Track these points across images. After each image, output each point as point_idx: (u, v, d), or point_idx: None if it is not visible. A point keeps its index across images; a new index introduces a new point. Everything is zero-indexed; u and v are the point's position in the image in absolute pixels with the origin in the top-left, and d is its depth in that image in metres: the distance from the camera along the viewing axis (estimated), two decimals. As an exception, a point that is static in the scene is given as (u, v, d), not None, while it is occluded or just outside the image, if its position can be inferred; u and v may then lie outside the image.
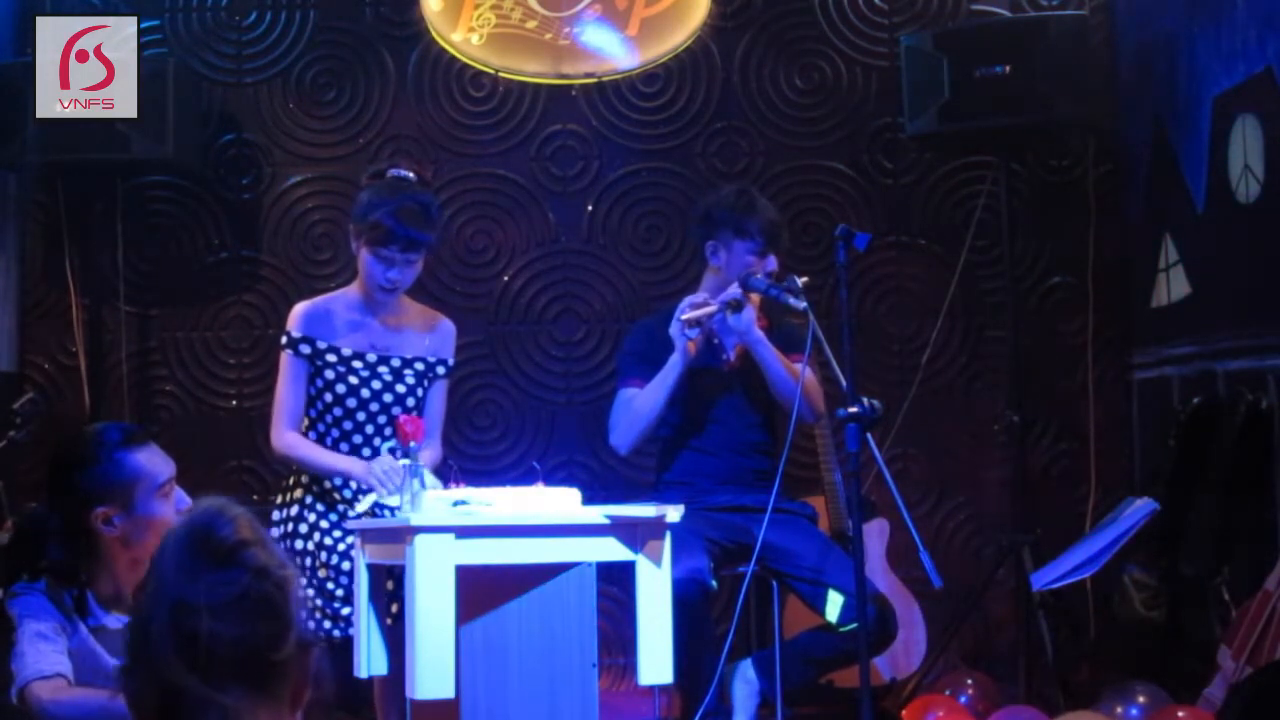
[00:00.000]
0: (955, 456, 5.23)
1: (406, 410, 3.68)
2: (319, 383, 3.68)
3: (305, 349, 3.67)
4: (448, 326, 3.84)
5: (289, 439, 3.65)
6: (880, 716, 4.22)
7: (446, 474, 3.51)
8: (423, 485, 3.25)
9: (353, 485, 3.63)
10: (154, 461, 2.84)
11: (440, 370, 3.78)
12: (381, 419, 3.67)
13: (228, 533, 1.62)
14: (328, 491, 3.66)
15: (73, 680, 2.78)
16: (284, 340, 3.69)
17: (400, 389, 3.70)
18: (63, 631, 2.84)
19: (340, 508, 3.64)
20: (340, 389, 3.66)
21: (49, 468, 2.93)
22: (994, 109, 4.71)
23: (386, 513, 3.46)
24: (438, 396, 3.78)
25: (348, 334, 3.70)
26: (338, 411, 3.67)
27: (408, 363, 3.73)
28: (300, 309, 3.73)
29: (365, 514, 3.50)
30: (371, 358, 3.70)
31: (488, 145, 5.35)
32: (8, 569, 2.94)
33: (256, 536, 1.64)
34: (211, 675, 1.56)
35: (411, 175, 3.74)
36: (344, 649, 3.44)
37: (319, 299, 3.80)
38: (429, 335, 3.78)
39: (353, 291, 3.76)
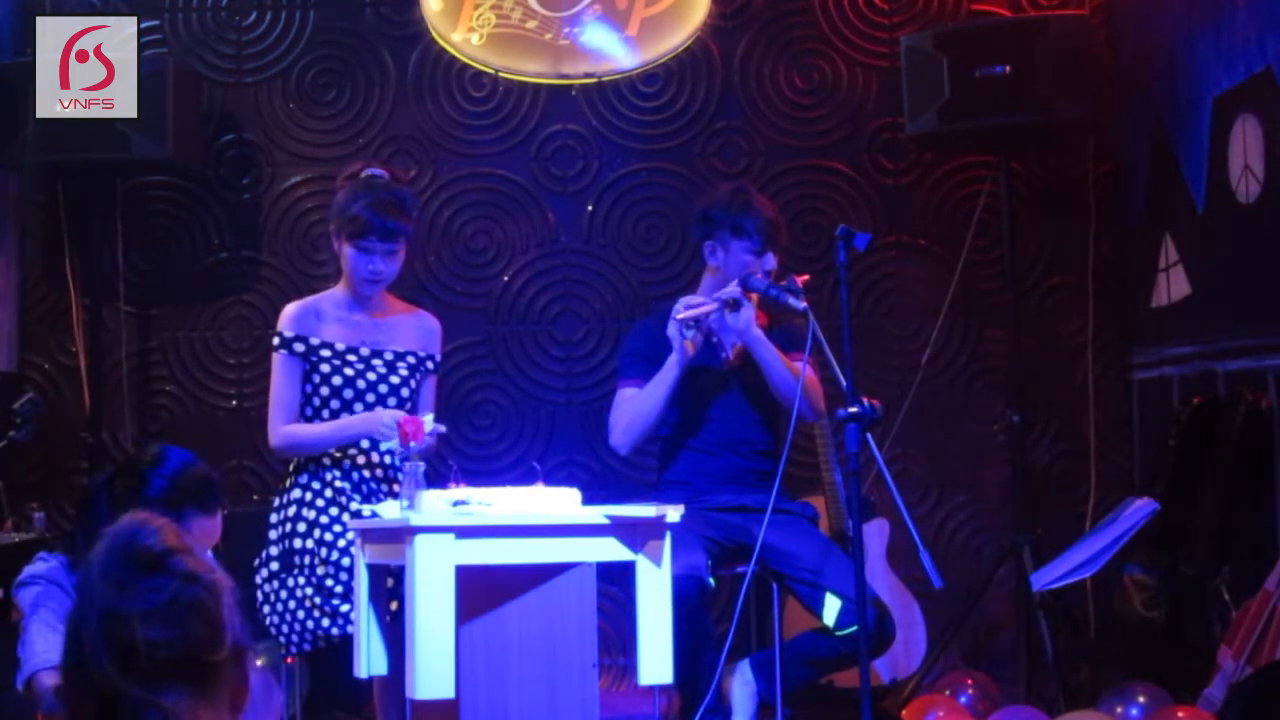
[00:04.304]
0: (955, 456, 5.23)
1: (400, 402, 3.74)
2: (315, 378, 3.73)
3: (299, 347, 3.72)
4: (433, 323, 3.91)
5: (285, 430, 3.70)
6: (880, 717, 4.22)
7: (446, 474, 3.51)
8: (422, 485, 3.25)
9: (363, 489, 3.67)
10: (204, 533, 2.87)
11: (429, 365, 3.85)
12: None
13: (153, 541, 1.64)
14: (329, 484, 3.67)
15: None
16: (276, 341, 3.75)
17: (394, 380, 3.75)
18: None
19: (342, 500, 3.65)
20: (336, 381, 3.71)
21: (128, 458, 2.99)
22: (994, 109, 4.71)
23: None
24: (429, 392, 3.85)
25: (339, 330, 3.78)
26: (335, 405, 3.72)
27: (400, 356, 3.79)
28: (290, 310, 3.80)
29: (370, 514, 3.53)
30: (365, 351, 3.76)
31: (488, 145, 5.35)
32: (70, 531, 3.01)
33: (182, 545, 1.66)
34: (149, 679, 1.59)
35: (384, 173, 3.84)
36: (343, 647, 3.45)
37: (307, 300, 3.87)
38: (416, 331, 3.87)
39: (339, 291, 3.84)
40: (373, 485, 3.71)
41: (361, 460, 3.70)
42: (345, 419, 3.69)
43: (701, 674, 3.58)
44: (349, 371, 3.72)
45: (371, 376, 3.73)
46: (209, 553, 2.52)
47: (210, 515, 2.92)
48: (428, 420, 3.48)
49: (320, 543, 3.60)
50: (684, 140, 5.33)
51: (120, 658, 1.58)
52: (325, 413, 3.72)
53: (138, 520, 1.67)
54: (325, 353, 3.73)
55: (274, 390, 3.74)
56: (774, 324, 4.01)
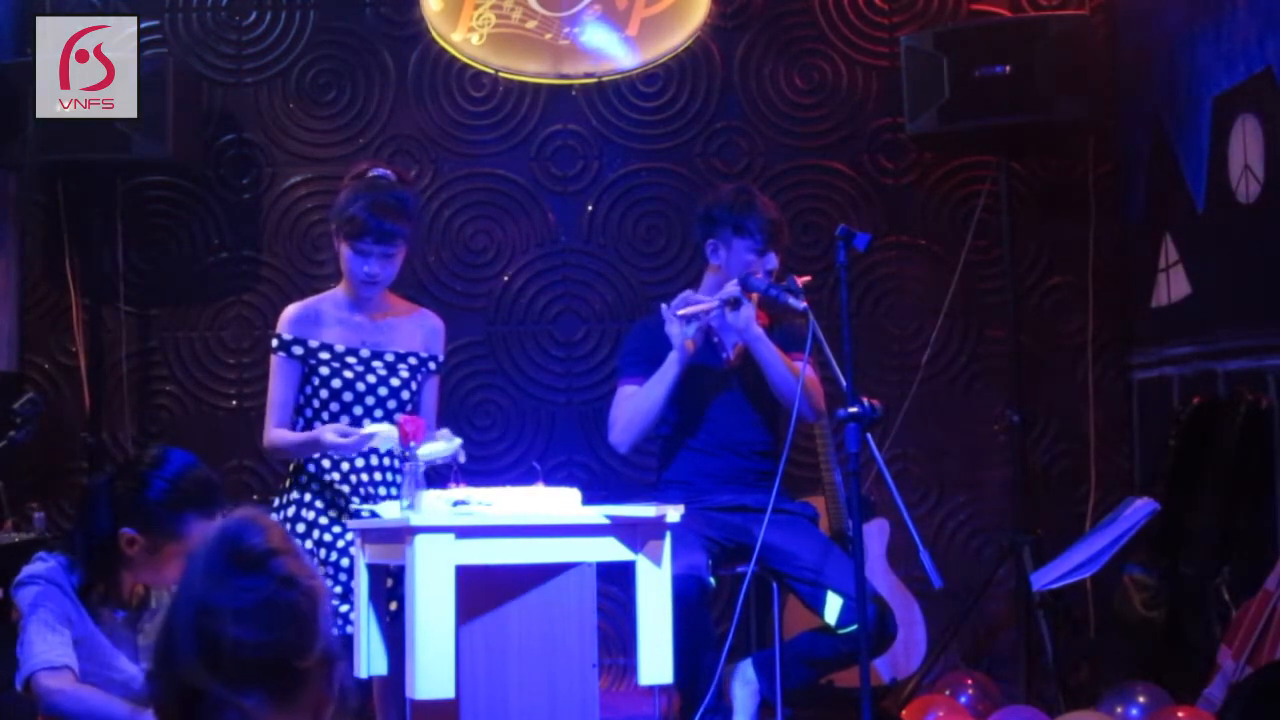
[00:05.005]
0: (955, 456, 5.23)
1: (401, 404, 3.72)
2: (314, 380, 3.71)
3: (298, 350, 3.71)
4: (436, 323, 3.89)
5: (274, 434, 3.70)
6: (880, 717, 4.22)
7: (446, 474, 3.51)
8: (423, 485, 3.25)
9: (361, 492, 3.67)
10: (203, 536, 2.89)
11: (432, 366, 3.83)
12: (378, 413, 3.70)
13: (257, 541, 1.64)
14: (328, 485, 3.67)
15: (78, 672, 2.81)
16: (275, 343, 3.74)
17: (395, 382, 3.73)
18: (69, 621, 2.87)
19: (340, 502, 3.65)
20: (335, 384, 3.70)
21: (129, 459, 2.99)
22: (994, 109, 4.71)
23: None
24: (431, 392, 3.83)
25: (339, 332, 3.76)
26: (334, 407, 3.70)
27: (401, 357, 3.77)
28: (289, 312, 3.78)
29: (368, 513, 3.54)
30: (365, 353, 3.74)
31: (488, 145, 5.35)
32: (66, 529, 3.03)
33: (287, 547, 1.66)
34: (233, 679, 1.58)
35: (390, 174, 3.80)
36: (343, 647, 3.44)
37: (307, 301, 3.85)
38: (419, 331, 3.84)
39: (339, 292, 3.82)
40: (371, 486, 3.70)
41: (360, 461, 3.70)
42: (313, 430, 3.66)
43: (701, 674, 3.58)
44: (348, 374, 3.70)
45: (372, 379, 3.72)
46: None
47: (210, 518, 2.93)
48: (450, 445, 3.46)
49: (319, 543, 3.60)
50: (684, 140, 5.33)
51: (206, 653, 1.59)
52: (325, 415, 3.70)
53: (246, 517, 1.67)
54: (324, 355, 3.72)
55: (270, 392, 3.74)
56: (774, 324, 4.01)
